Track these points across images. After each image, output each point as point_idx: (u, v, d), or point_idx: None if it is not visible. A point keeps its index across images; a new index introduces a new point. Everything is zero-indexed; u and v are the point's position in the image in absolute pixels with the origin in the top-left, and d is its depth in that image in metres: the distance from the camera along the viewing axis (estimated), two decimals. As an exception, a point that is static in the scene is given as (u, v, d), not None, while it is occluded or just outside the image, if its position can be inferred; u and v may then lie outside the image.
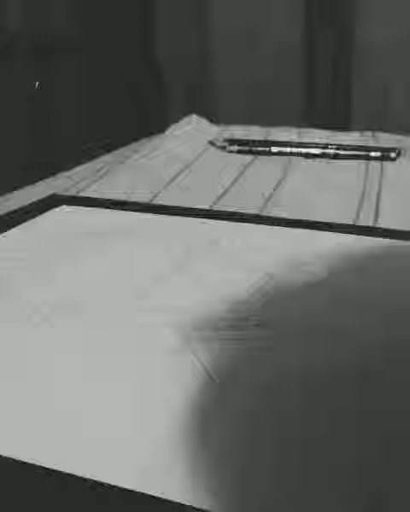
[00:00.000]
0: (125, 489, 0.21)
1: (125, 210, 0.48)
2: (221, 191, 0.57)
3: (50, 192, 0.56)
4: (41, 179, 0.62)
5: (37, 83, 0.67)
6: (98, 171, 0.65)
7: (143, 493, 0.21)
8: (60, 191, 0.57)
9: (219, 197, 0.55)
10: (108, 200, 0.51)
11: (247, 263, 0.39)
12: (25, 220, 0.47)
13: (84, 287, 0.36)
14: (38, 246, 0.42)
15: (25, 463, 0.22)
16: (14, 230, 0.45)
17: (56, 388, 0.27)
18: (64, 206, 0.50)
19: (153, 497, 0.21)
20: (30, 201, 0.53)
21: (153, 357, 0.29)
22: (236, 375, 0.27)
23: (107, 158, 0.70)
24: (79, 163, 0.67)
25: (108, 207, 0.49)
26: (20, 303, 0.34)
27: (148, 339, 0.30)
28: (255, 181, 0.60)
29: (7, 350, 0.30)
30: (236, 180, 0.61)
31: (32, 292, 0.36)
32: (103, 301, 0.34)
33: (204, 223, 0.46)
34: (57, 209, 0.49)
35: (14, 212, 0.49)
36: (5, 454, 0.23)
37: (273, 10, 0.67)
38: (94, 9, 0.67)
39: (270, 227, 0.45)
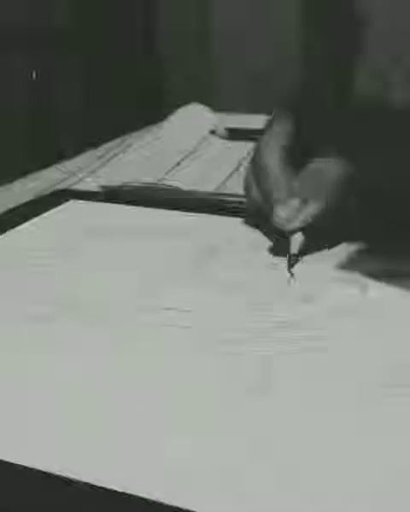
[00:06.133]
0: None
1: (137, 205, 0.49)
2: (221, 180, 0.57)
3: (52, 181, 0.56)
4: (42, 168, 0.62)
5: (34, 72, 0.66)
6: (98, 159, 0.65)
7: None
8: (61, 180, 0.57)
9: (218, 188, 0.55)
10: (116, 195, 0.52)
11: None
12: (35, 215, 0.47)
13: (96, 285, 0.36)
14: (50, 242, 0.42)
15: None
16: (25, 226, 0.46)
17: (57, 390, 0.27)
18: (73, 201, 0.50)
19: None
20: (32, 192, 0.53)
21: (173, 357, 0.30)
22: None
23: (107, 147, 0.69)
24: (79, 152, 0.67)
25: (116, 202, 0.50)
26: (32, 301, 0.35)
27: (166, 339, 0.31)
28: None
29: (10, 347, 0.31)
30: (236, 169, 0.61)
31: (45, 289, 0.36)
32: (122, 300, 0.35)
33: (218, 219, 0.46)
34: (67, 204, 0.49)
35: (24, 205, 0.49)
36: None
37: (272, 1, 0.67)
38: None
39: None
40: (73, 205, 0.49)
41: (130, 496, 0.22)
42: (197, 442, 0.24)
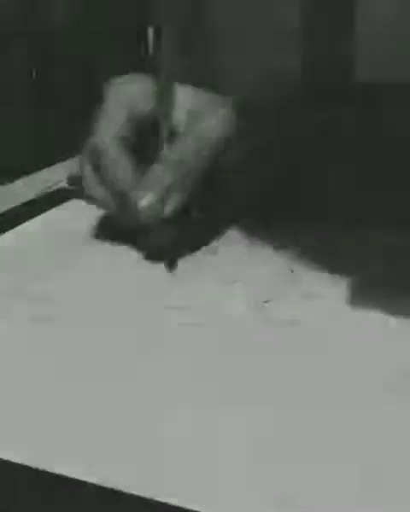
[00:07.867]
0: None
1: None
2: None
3: (52, 181, 0.56)
4: (42, 168, 0.62)
5: (34, 72, 0.66)
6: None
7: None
8: (61, 180, 0.57)
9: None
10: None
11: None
12: (35, 214, 0.47)
13: (97, 285, 0.37)
14: (51, 242, 0.42)
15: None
16: (25, 225, 0.46)
17: (56, 389, 0.27)
18: (73, 201, 0.50)
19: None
20: (33, 192, 0.54)
21: (173, 356, 0.30)
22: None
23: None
24: (78, 151, 0.67)
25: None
26: (32, 301, 0.35)
27: (166, 338, 0.31)
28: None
29: (10, 347, 0.31)
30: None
31: (45, 289, 0.36)
32: (122, 299, 0.35)
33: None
34: (67, 204, 0.49)
35: (26, 204, 0.49)
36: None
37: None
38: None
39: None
40: (73, 204, 0.50)
41: (129, 495, 0.22)
42: (197, 442, 0.24)
